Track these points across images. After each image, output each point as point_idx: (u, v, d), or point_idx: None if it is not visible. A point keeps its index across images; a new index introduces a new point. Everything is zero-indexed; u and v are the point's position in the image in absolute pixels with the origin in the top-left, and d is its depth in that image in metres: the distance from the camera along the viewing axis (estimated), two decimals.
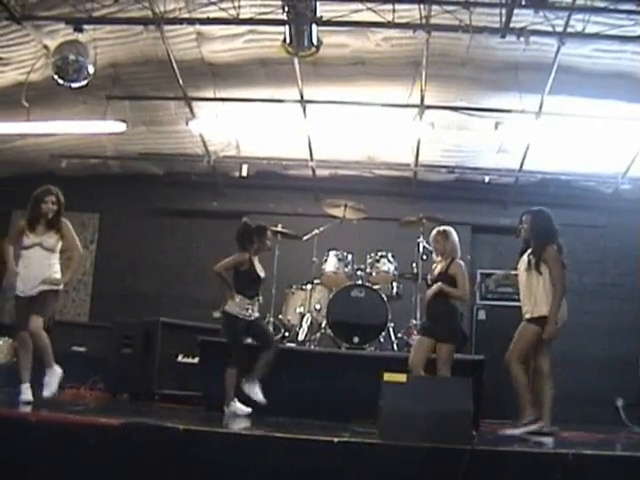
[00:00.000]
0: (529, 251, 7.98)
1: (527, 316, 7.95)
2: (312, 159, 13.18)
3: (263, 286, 10.46)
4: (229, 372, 8.45)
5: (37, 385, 7.87)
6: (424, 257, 10.69)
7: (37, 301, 7.90)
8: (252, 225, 9.01)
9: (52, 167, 13.71)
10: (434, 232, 8.74)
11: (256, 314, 8.73)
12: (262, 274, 8.86)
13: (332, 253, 10.85)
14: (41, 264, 7.99)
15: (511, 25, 9.37)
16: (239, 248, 8.87)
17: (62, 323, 12.23)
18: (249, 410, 8.33)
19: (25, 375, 7.84)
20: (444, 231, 8.66)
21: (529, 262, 7.90)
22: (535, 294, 7.86)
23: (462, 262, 8.65)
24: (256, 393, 8.32)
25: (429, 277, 8.97)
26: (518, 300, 11.27)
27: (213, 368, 9.25)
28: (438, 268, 8.64)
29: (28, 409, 7.11)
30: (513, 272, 8.40)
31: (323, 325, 10.31)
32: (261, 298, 8.93)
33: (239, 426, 7.33)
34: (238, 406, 8.38)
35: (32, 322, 7.74)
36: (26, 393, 7.71)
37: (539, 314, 7.80)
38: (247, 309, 8.63)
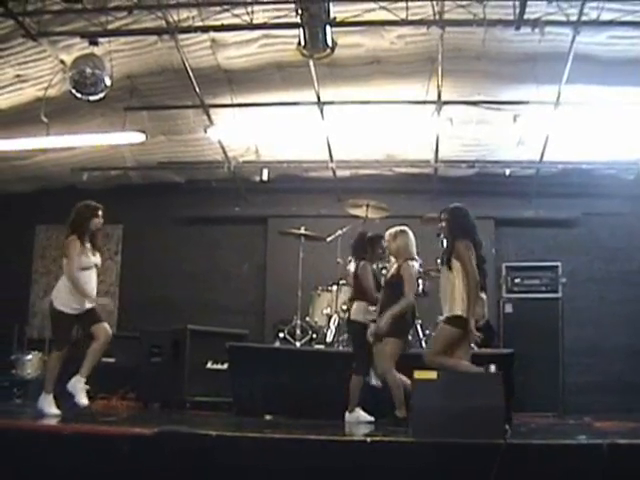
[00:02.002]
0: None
1: (442, 316, 7.68)
2: (332, 160, 13.18)
3: (289, 288, 10.51)
4: (355, 379, 8.49)
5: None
6: None
7: (93, 314, 8.09)
8: (367, 235, 9.13)
9: (73, 181, 13.79)
10: (386, 234, 8.75)
11: None
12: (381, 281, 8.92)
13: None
14: (95, 284, 8.20)
15: (525, 16, 9.33)
16: (355, 258, 9.06)
17: None
18: (371, 418, 8.40)
19: (50, 386, 8.03)
20: (392, 233, 8.68)
21: (442, 260, 7.76)
22: (447, 293, 7.58)
23: (414, 263, 8.61)
24: None
25: (382, 280, 9.01)
26: (545, 292, 11.35)
27: (243, 373, 9.29)
28: (391, 270, 8.69)
29: (61, 422, 7.14)
30: None
31: None
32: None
33: (271, 430, 7.35)
34: (362, 414, 8.44)
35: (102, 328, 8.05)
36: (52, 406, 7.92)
37: (452, 313, 7.48)
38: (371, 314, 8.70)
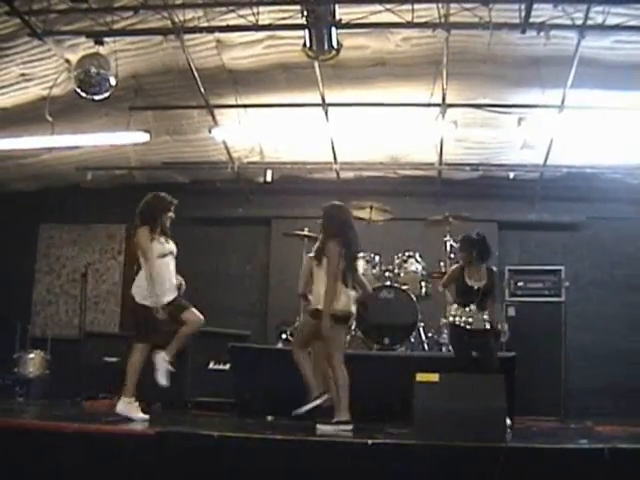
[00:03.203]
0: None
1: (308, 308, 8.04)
2: (336, 162, 13.18)
3: (292, 290, 10.50)
4: None
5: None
6: (452, 256, 10.70)
7: (178, 303, 8.07)
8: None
9: (78, 180, 13.80)
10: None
11: (479, 324, 8.64)
12: (475, 284, 8.73)
13: (359, 255, 10.85)
14: (173, 272, 8.18)
15: (531, 20, 9.33)
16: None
17: (93, 334, 12.31)
18: None
19: (131, 389, 7.89)
20: None
21: (315, 255, 7.99)
22: (315, 287, 7.92)
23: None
24: None
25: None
26: (548, 296, 11.34)
27: (245, 374, 9.29)
28: None
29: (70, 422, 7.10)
30: None
31: (353, 327, 10.31)
32: (473, 307, 8.65)
33: (273, 431, 7.35)
34: None
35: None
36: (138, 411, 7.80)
37: (314, 307, 7.85)
38: (462, 317, 8.65)
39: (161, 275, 7.99)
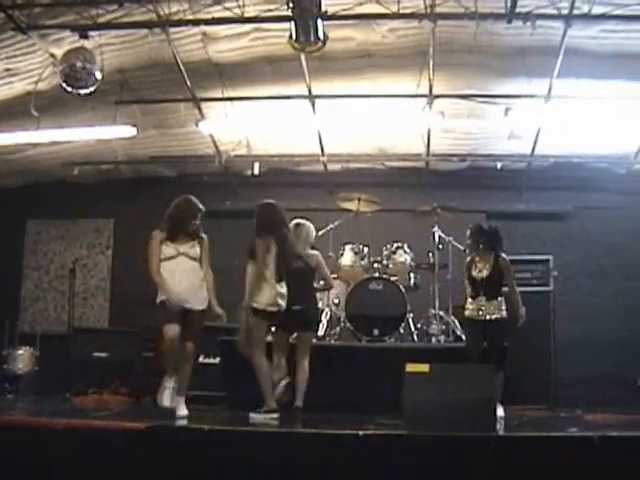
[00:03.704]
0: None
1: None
2: (323, 154, 13.16)
3: None
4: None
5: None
6: (440, 247, 10.72)
7: (192, 323, 8.07)
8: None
9: (64, 175, 13.77)
10: None
11: (487, 314, 8.63)
12: (478, 274, 8.77)
13: (348, 247, 10.86)
14: (190, 275, 8.09)
15: (517, 10, 9.32)
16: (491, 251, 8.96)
17: (82, 329, 12.29)
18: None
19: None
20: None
21: (249, 255, 8.24)
22: (247, 283, 8.22)
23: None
24: None
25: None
26: (536, 285, 11.35)
27: (234, 368, 9.29)
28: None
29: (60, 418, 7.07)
30: None
31: (342, 319, 10.32)
32: (483, 297, 8.69)
33: (263, 424, 7.35)
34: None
35: (188, 347, 8.03)
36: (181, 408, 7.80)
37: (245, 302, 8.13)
38: (470, 309, 8.74)
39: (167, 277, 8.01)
